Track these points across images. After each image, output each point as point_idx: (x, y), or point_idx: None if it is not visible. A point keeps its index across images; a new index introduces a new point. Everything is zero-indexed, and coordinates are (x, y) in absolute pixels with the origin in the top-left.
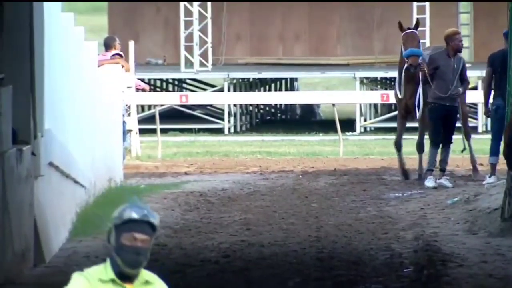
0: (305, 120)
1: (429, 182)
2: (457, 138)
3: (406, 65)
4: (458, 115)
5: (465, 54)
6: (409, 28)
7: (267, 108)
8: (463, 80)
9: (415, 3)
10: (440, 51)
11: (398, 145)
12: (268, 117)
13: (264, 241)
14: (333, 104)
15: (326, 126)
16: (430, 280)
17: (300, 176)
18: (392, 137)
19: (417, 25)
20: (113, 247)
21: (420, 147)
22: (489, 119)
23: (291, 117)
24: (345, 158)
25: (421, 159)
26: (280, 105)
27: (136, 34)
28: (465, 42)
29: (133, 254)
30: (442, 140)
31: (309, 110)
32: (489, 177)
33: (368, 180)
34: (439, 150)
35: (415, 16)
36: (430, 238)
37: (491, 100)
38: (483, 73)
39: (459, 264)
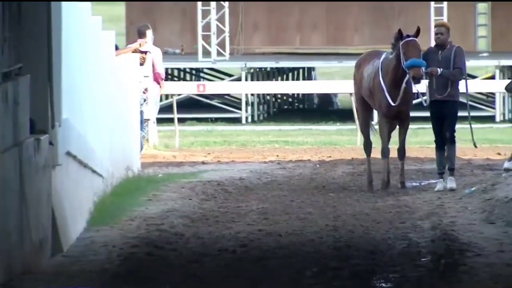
0: (323, 109)
1: (437, 185)
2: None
3: (407, 77)
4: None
5: (482, 44)
6: (408, 36)
7: (285, 98)
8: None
9: None
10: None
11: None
12: (286, 107)
13: (281, 230)
14: (351, 94)
15: (344, 115)
16: (448, 270)
17: (318, 165)
18: (411, 126)
19: (417, 33)
20: None
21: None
22: (507, 107)
23: (308, 107)
24: (362, 148)
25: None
26: (298, 94)
27: (153, 23)
28: (483, 32)
29: None
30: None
31: (326, 99)
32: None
33: None
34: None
35: (433, 5)
36: (447, 228)
37: None
38: (500, 62)
39: (477, 254)
